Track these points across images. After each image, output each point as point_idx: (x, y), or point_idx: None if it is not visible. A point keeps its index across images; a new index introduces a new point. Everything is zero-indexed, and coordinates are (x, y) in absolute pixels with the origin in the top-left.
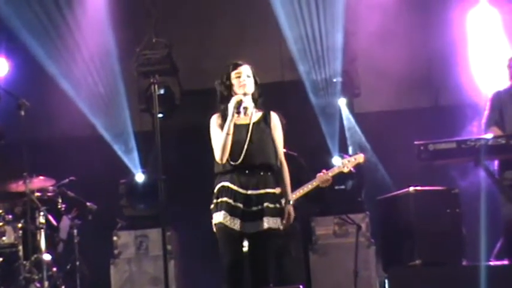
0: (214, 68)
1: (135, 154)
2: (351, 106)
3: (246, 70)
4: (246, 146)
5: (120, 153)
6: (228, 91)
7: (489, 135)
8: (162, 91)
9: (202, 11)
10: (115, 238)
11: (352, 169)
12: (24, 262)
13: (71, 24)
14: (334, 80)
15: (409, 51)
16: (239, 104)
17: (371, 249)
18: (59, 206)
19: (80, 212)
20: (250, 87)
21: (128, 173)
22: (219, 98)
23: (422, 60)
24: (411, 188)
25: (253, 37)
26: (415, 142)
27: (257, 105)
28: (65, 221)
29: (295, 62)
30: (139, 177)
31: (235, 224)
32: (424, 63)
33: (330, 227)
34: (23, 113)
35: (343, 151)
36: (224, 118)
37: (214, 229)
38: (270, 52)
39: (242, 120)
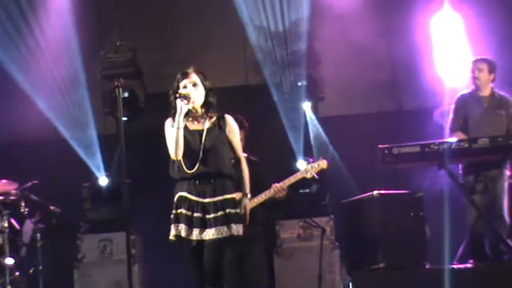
0: (178, 71)
1: (99, 157)
2: (315, 110)
3: (192, 79)
4: (200, 154)
5: (83, 156)
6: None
7: (453, 139)
8: (126, 94)
9: (166, 14)
10: (78, 242)
11: (315, 175)
12: None
13: (33, 25)
14: (299, 84)
15: (373, 55)
16: (182, 95)
17: (335, 252)
18: (22, 210)
19: (43, 215)
20: (199, 99)
21: (92, 177)
22: (172, 110)
23: (386, 64)
24: (375, 192)
25: (217, 40)
26: (379, 146)
27: (210, 111)
28: (28, 225)
29: (259, 65)
30: (103, 180)
31: (194, 235)
32: (388, 67)
33: (294, 230)
34: None
35: (308, 155)
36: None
37: (173, 238)
38: (234, 55)
39: (195, 126)
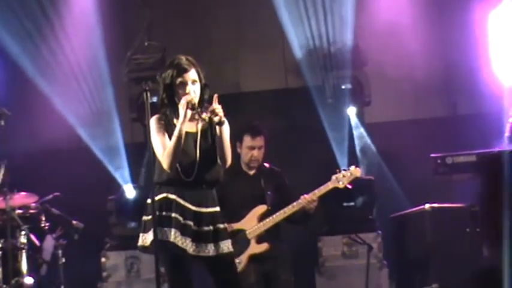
0: (211, 73)
1: (126, 168)
2: (361, 115)
3: (192, 76)
4: (197, 160)
5: (109, 166)
6: (171, 99)
7: None
8: (154, 99)
9: (198, 12)
10: (103, 259)
11: (348, 185)
12: (4, 286)
13: (56, 26)
14: (343, 87)
15: (424, 55)
16: (190, 104)
17: (383, 271)
18: (42, 225)
19: (65, 230)
20: (197, 98)
21: (118, 188)
22: (159, 102)
23: (439, 65)
24: (427, 205)
25: (253, 40)
26: (432, 155)
27: (204, 110)
28: (49, 241)
29: (299, 67)
30: (130, 192)
31: (187, 245)
32: (442, 68)
33: (338, 247)
34: (3, 122)
35: (352, 164)
36: (165, 121)
37: (142, 243)
38: (272, 56)
39: (188, 127)
